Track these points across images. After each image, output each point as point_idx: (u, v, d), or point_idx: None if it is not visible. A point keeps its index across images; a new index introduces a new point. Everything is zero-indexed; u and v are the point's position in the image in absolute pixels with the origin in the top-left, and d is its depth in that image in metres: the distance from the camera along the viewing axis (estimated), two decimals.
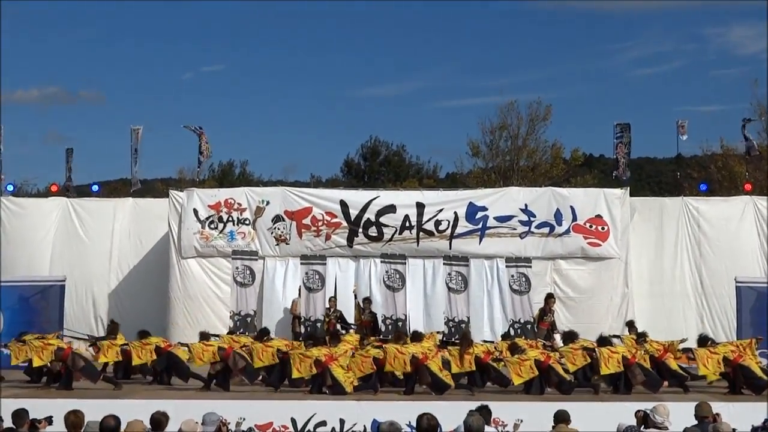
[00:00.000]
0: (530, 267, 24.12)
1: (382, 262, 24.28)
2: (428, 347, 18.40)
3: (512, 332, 21.79)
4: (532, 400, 16.68)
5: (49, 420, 11.94)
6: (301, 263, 24.19)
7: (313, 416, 16.16)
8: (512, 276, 24.04)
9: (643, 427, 11.02)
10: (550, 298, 23.20)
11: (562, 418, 11.82)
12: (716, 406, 12.45)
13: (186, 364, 19.21)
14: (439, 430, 10.06)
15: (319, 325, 22.45)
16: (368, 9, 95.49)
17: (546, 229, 24.44)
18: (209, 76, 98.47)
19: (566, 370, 18.02)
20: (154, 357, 19.11)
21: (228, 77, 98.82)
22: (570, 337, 19.03)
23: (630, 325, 21.62)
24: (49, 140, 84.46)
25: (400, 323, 22.62)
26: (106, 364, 19.48)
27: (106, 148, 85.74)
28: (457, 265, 24.13)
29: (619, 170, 26.33)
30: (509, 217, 24.44)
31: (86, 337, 20.89)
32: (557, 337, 21.16)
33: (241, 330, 22.05)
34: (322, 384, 17.72)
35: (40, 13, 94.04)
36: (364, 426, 15.94)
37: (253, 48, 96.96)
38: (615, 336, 19.76)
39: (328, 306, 22.96)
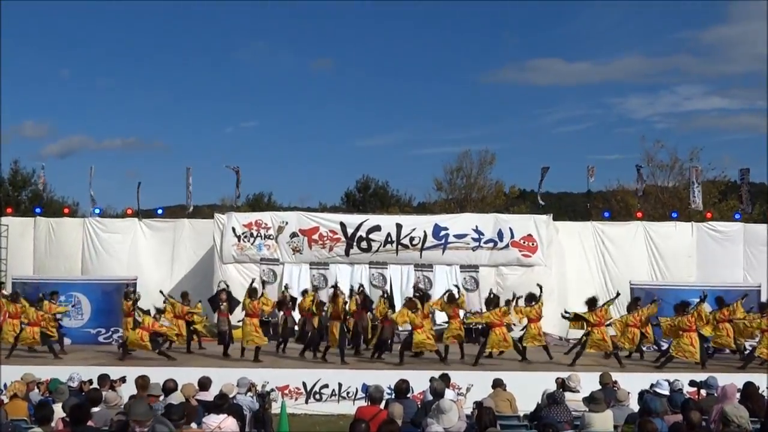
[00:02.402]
0: (478, 272, 24.21)
1: (370, 267, 24.30)
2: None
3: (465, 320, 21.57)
4: (478, 370, 16.60)
5: (123, 379, 11.91)
6: (311, 268, 24.26)
7: (318, 380, 16.15)
8: (464, 278, 24.09)
9: (561, 390, 11.02)
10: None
11: (498, 383, 11.80)
12: (615, 375, 12.46)
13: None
14: (411, 391, 10.08)
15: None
16: (358, 82, 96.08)
17: (491, 244, 24.43)
18: (245, 130, 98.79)
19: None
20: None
21: (259, 130, 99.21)
22: None
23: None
24: (126, 176, 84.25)
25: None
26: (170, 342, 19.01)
27: (167, 181, 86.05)
28: (425, 270, 24.19)
29: (538, 200, 26.73)
30: (464, 235, 24.45)
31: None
32: None
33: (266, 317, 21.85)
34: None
35: (122, 80, 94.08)
36: (356, 388, 15.93)
37: (278, 108, 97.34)
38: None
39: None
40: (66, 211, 30.18)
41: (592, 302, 18.08)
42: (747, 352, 17.98)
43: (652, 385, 10.93)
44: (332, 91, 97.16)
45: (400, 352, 17.73)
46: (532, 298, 18.23)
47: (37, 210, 27.22)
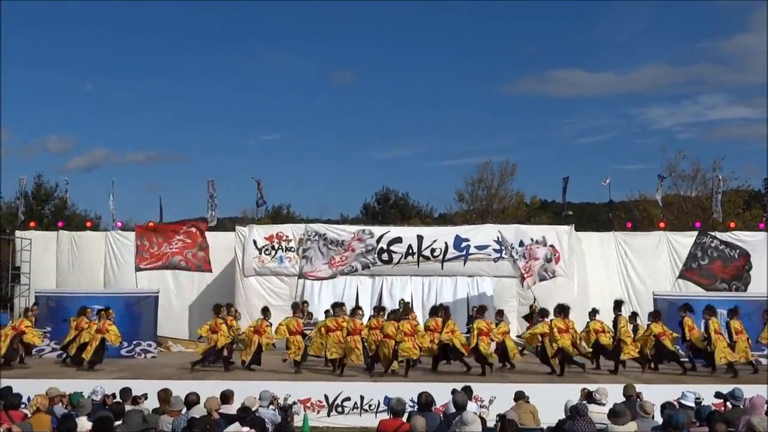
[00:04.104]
0: (499, 282, 24.07)
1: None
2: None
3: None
4: (501, 382, 16.48)
5: (144, 396, 11.97)
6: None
7: (340, 393, 16.10)
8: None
9: (585, 402, 10.91)
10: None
11: (520, 396, 11.75)
12: (639, 387, 12.34)
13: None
14: (433, 404, 10.04)
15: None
16: (379, 94, 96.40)
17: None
18: (267, 143, 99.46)
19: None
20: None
21: (281, 143, 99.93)
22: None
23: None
24: (148, 189, 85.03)
25: None
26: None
27: (189, 194, 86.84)
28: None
29: (564, 210, 26.50)
30: (486, 246, 24.36)
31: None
32: None
33: None
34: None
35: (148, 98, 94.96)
36: (378, 401, 15.87)
37: (300, 123, 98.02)
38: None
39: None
40: (89, 224, 30.41)
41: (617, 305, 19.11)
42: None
43: (678, 399, 10.81)
44: (352, 103, 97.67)
45: (433, 361, 17.83)
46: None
47: (60, 223, 27.50)
